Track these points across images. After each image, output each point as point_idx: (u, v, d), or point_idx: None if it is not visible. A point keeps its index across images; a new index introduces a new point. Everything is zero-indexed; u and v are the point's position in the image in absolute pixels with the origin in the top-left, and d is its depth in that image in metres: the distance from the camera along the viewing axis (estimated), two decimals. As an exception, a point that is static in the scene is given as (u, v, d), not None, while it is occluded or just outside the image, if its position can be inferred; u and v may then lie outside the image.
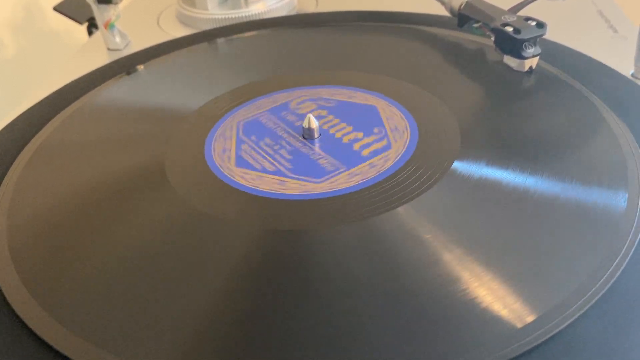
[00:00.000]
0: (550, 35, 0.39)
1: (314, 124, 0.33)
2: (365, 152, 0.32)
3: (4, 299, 0.25)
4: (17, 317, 0.24)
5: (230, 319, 0.23)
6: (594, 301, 0.23)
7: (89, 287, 0.26)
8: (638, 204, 0.27)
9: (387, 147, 0.32)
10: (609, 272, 0.24)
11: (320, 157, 0.32)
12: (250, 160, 0.32)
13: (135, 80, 0.43)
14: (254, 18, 0.53)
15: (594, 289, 0.23)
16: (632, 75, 0.40)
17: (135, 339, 0.23)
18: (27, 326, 0.24)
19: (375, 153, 0.32)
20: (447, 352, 0.21)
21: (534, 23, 0.38)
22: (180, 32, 0.54)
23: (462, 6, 0.42)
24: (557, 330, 0.22)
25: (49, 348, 0.23)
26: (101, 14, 0.49)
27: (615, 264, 0.24)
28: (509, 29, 0.38)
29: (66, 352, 0.23)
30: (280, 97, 0.38)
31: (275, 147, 0.33)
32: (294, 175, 0.31)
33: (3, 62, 0.70)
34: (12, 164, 0.34)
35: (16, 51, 0.71)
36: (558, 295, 0.23)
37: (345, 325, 0.23)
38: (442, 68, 0.41)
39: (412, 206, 0.28)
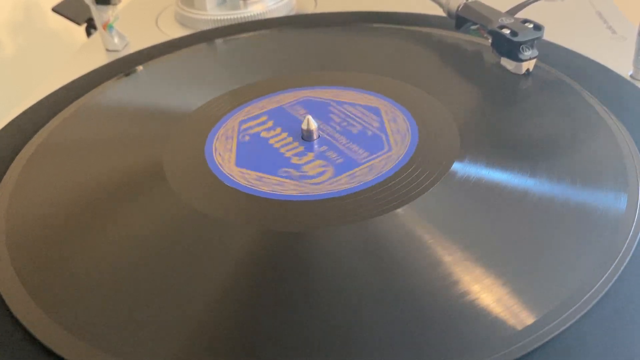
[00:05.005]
0: (548, 36, 0.39)
1: (313, 125, 0.33)
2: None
3: (2, 300, 0.25)
4: (15, 319, 0.24)
5: (229, 319, 0.23)
6: (593, 303, 0.23)
7: (87, 288, 0.25)
8: (637, 205, 0.27)
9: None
10: (608, 273, 0.24)
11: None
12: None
13: (134, 81, 0.43)
14: (253, 19, 0.53)
15: (593, 291, 0.23)
16: (631, 76, 0.40)
17: (134, 340, 0.23)
18: (25, 328, 0.24)
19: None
20: (447, 354, 0.21)
21: (531, 25, 0.38)
22: (179, 32, 0.53)
23: (460, 8, 0.42)
24: (557, 332, 0.22)
25: (48, 351, 0.23)
26: (100, 14, 0.49)
27: (614, 265, 0.24)
28: (506, 31, 0.38)
29: (65, 355, 0.23)
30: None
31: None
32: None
33: (2, 62, 0.70)
34: (10, 164, 0.34)
35: (15, 51, 0.71)
36: (558, 297, 0.23)
37: (344, 327, 0.23)
38: (442, 69, 0.41)
39: (412, 207, 0.28)
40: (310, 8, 0.58)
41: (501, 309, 0.23)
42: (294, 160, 0.32)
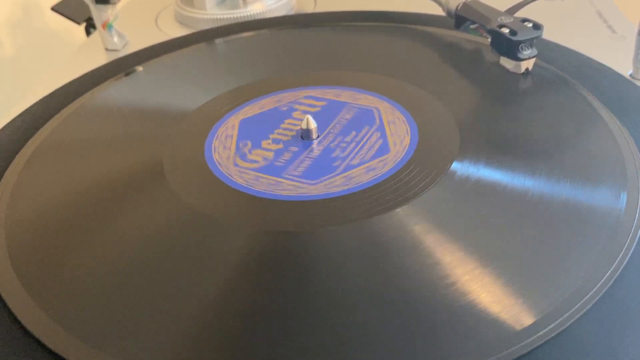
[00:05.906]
0: (548, 35, 0.39)
1: (313, 124, 0.33)
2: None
3: (2, 300, 0.25)
4: (15, 318, 0.24)
5: (228, 319, 0.23)
6: (592, 303, 0.23)
7: (87, 287, 0.26)
8: (637, 204, 0.27)
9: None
10: (608, 273, 0.24)
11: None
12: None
13: (134, 80, 0.43)
14: (253, 18, 0.53)
15: (593, 291, 0.23)
16: (631, 75, 0.40)
17: (134, 340, 0.23)
18: (25, 328, 0.24)
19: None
20: (446, 354, 0.21)
21: (530, 24, 0.38)
22: (179, 32, 0.53)
23: (459, 7, 0.42)
24: (556, 332, 0.22)
25: (47, 350, 0.23)
26: (99, 14, 0.49)
27: (614, 265, 0.24)
28: (505, 30, 0.38)
29: (65, 355, 0.23)
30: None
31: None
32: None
33: (2, 61, 0.70)
34: (10, 164, 0.34)
35: (14, 51, 0.71)
36: (557, 297, 0.23)
37: (344, 327, 0.23)
38: (442, 69, 0.41)
39: (411, 207, 0.28)
40: (310, 7, 0.58)
41: (500, 309, 0.23)
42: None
